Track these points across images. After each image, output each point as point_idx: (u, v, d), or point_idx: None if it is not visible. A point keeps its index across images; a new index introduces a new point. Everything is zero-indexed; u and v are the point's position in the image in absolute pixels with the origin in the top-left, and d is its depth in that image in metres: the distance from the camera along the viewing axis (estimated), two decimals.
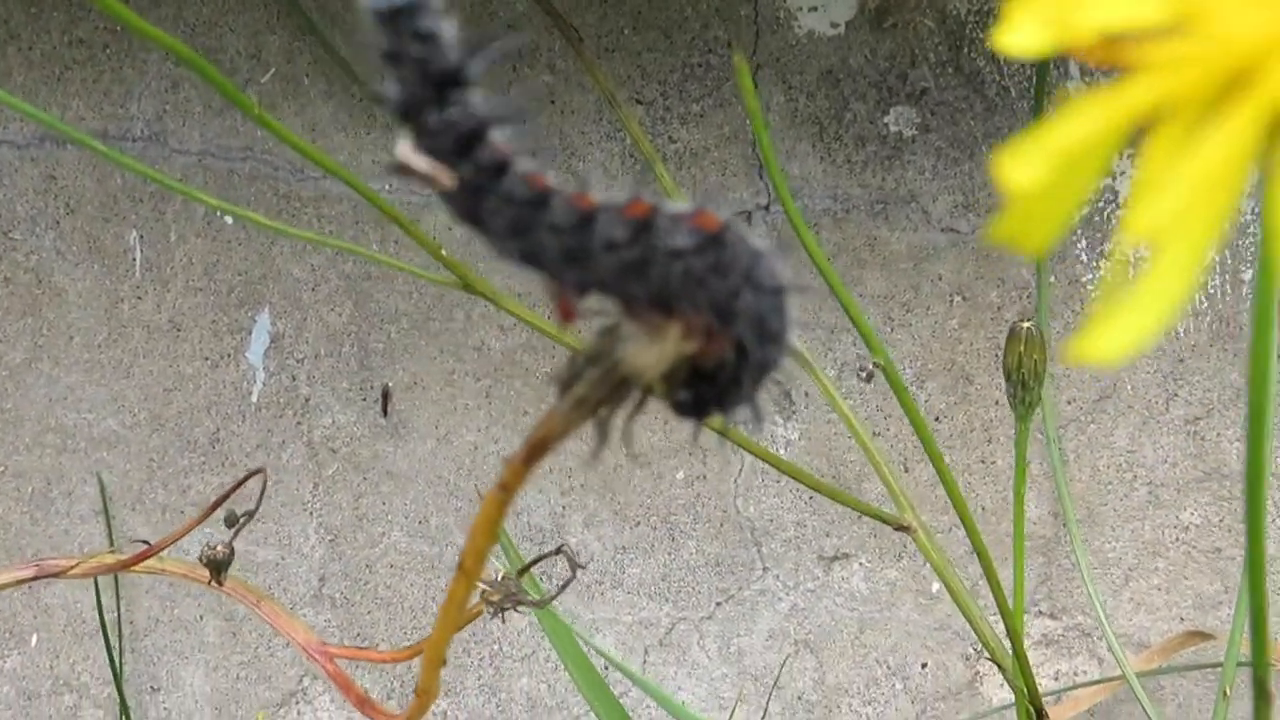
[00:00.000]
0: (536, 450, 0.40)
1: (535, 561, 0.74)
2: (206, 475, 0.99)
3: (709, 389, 0.35)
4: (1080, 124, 0.25)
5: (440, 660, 0.50)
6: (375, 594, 1.02)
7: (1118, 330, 0.25)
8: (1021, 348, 0.74)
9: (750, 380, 0.34)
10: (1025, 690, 0.76)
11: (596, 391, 0.35)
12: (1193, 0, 0.24)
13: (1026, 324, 0.74)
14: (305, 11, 0.89)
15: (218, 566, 0.75)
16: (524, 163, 0.34)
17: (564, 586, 0.72)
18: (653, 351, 0.35)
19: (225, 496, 0.72)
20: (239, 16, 0.90)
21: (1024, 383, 0.75)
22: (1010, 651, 0.83)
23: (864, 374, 0.69)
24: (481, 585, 0.72)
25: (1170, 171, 0.25)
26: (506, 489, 0.41)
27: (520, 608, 0.71)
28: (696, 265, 0.32)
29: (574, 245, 0.33)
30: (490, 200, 0.34)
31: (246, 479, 0.74)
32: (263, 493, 0.74)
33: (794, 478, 0.81)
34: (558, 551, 0.73)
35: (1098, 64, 0.26)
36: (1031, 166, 0.25)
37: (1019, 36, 0.26)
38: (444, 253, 0.70)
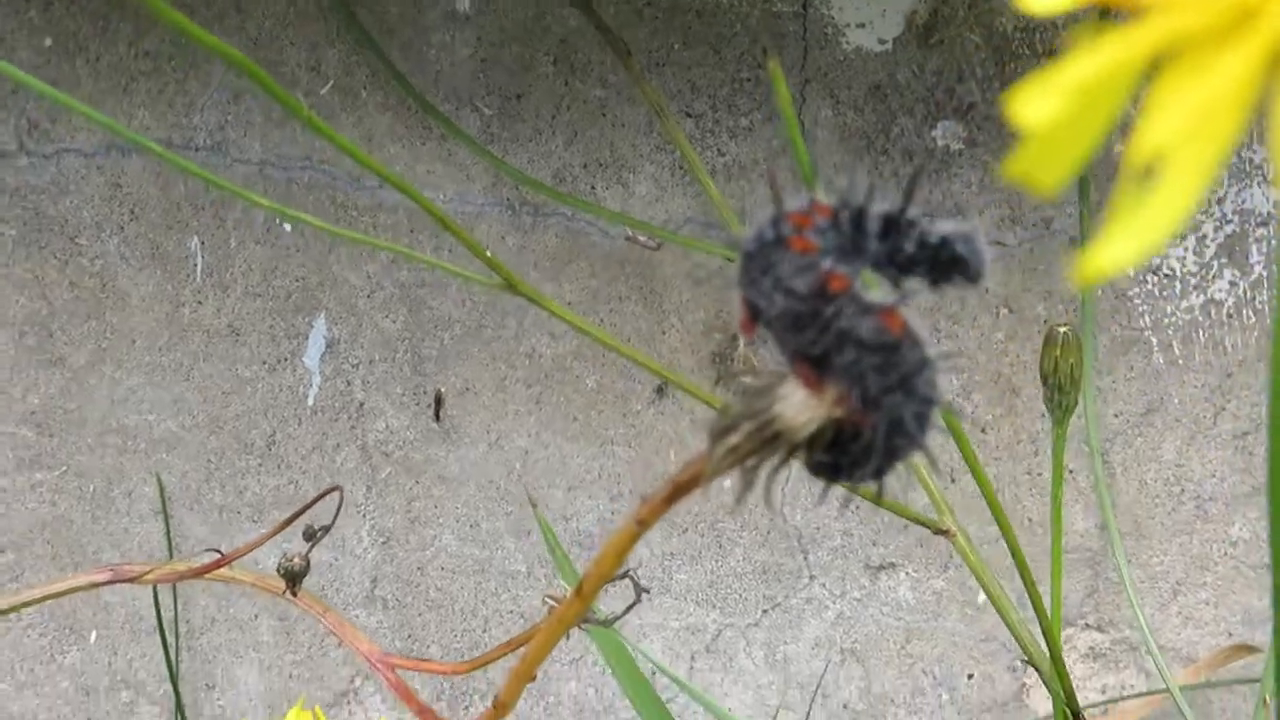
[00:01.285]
0: (680, 491, 0.41)
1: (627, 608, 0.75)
2: (263, 477, 1.01)
3: (845, 457, 0.37)
4: (1094, 61, 0.26)
5: (530, 676, 0.51)
6: (426, 596, 1.03)
7: (1124, 242, 0.26)
8: (1058, 352, 0.75)
9: (880, 460, 0.36)
10: (1062, 694, 0.77)
11: (749, 443, 0.37)
12: None
13: (1063, 328, 0.75)
14: (363, 26, 0.91)
15: (294, 577, 0.76)
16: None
17: (629, 608, 0.73)
18: (806, 414, 0.36)
19: (302, 510, 0.74)
20: (299, 30, 0.93)
21: (1060, 386, 0.76)
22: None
23: None
24: (550, 602, 0.73)
25: (1179, 96, 0.26)
26: (643, 524, 0.42)
27: (585, 625, 0.73)
28: (867, 358, 0.34)
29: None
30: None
31: (322, 496, 0.75)
32: (339, 509, 0.76)
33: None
34: (624, 576, 0.74)
35: (1115, 7, 0.27)
36: (1047, 102, 0.26)
37: None
38: (489, 254, 0.72)
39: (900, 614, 1.04)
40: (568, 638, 1.01)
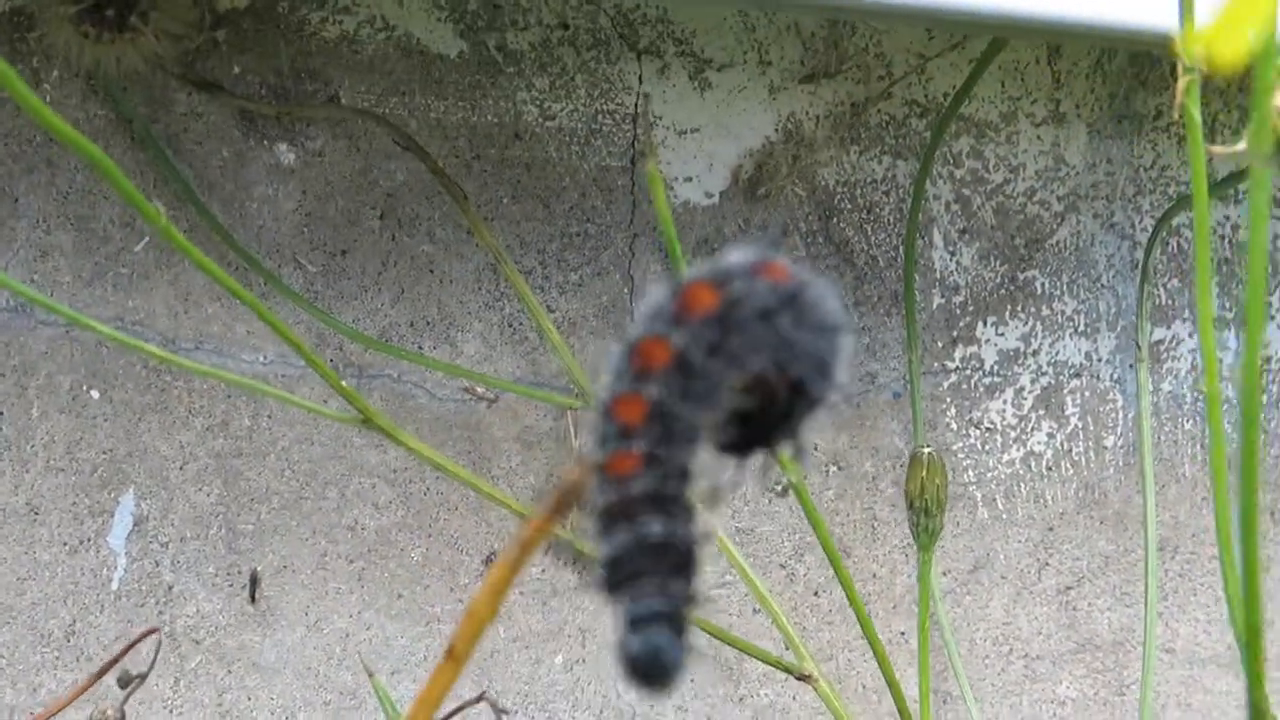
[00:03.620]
0: (563, 503, 0.39)
1: (457, 710, 0.71)
2: (60, 672, 0.94)
3: (756, 428, 0.35)
4: None
5: None
6: None
7: (1234, 33, 0.31)
8: (924, 473, 0.75)
9: (801, 416, 0.34)
10: None
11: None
12: None
13: (926, 449, 0.75)
14: (183, 179, 0.88)
15: None
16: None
17: None
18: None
19: (118, 658, 0.69)
20: (112, 185, 0.89)
21: (927, 509, 0.75)
22: None
23: (779, 488, 0.69)
24: None
25: None
26: (525, 549, 0.39)
27: None
28: (778, 323, 0.33)
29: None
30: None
31: (142, 638, 0.70)
32: (157, 653, 0.71)
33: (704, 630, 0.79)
34: (479, 699, 0.70)
35: None
36: None
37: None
38: (344, 383, 0.68)
39: None
40: None
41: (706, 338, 0.33)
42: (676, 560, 0.33)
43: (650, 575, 0.33)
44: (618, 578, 0.33)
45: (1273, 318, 1.04)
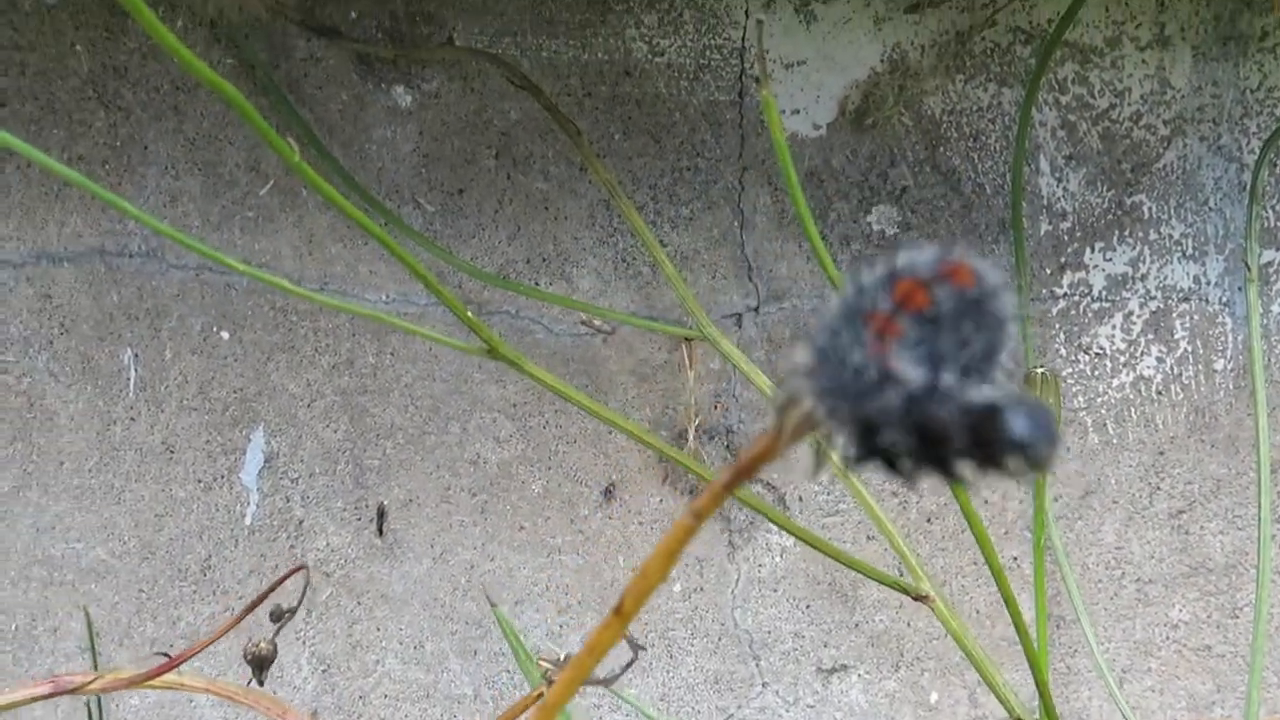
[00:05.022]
0: (754, 465, 0.40)
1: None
2: (198, 605, 0.97)
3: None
4: None
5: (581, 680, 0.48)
6: None
7: None
8: (1037, 392, 0.76)
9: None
10: None
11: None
12: None
13: (1040, 369, 0.76)
14: (304, 123, 0.91)
15: (261, 663, 0.73)
16: None
17: (627, 666, 0.71)
18: None
19: (266, 594, 0.71)
20: (237, 130, 0.92)
21: None
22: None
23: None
24: (545, 665, 0.71)
25: None
26: (699, 516, 0.41)
27: (586, 687, 0.71)
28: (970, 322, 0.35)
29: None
30: None
31: (289, 575, 0.72)
32: (305, 590, 0.73)
33: (816, 547, 0.81)
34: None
35: None
36: None
37: None
38: (470, 314, 0.70)
39: (854, 719, 1.02)
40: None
41: (926, 332, 0.35)
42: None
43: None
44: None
45: None
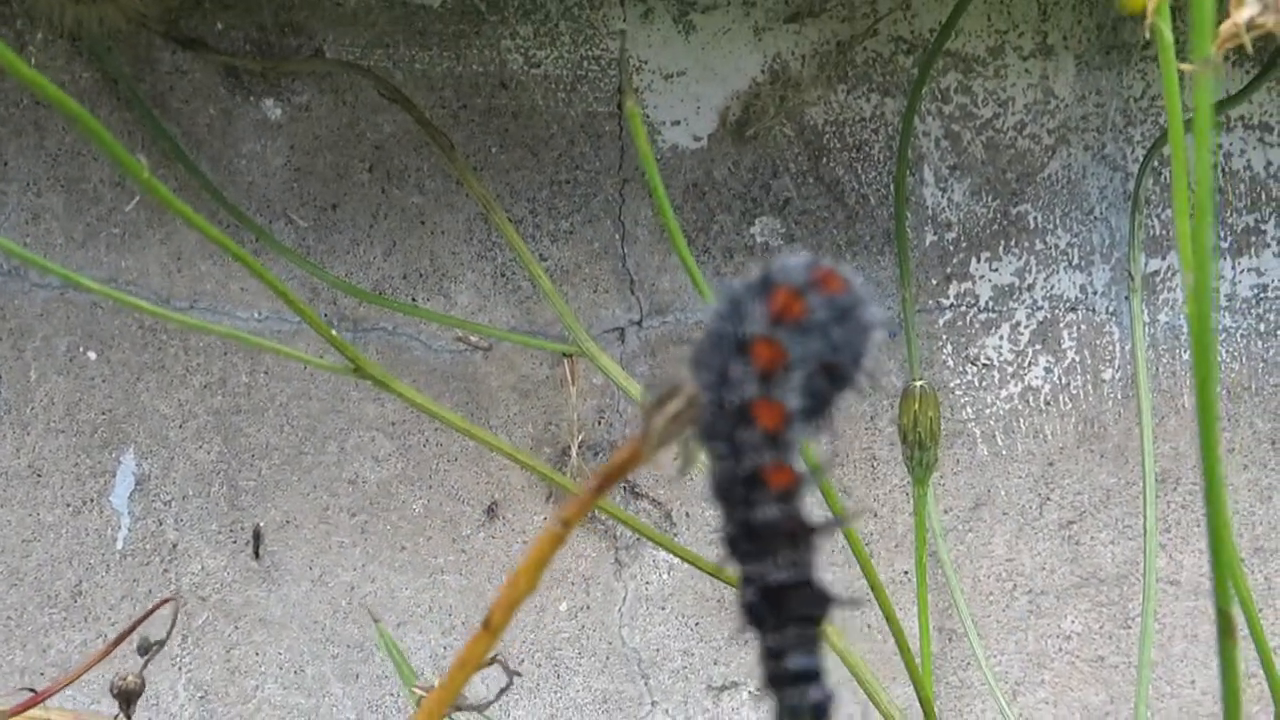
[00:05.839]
0: (618, 472, 0.40)
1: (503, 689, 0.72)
2: (68, 632, 0.94)
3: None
4: None
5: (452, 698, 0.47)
6: None
7: None
8: (916, 406, 0.75)
9: (834, 396, 0.37)
10: None
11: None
12: None
13: (918, 382, 0.75)
14: (171, 137, 0.89)
15: (128, 697, 0.71)
16: None
17: (502, 691, 0.70)
18: None
19: (136, 625, 0.69)
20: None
21: (920, 443, 0.75)
22: None
23: None
24: (420, 691, 0.69)
25: None
26: (567, 525, 0.40)
27: (459, 713, 0.70)
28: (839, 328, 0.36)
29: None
30: None
31: (159, 606, 0.71)
32: (174, 620, 0.71)
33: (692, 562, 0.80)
34: (492, 662, 0.71)
35: None
36: None
37: None
38: (334, 333, 0.69)
39: None
40: None
41: (800, 340, 0.36)
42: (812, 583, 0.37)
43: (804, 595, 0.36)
44: (789, 606, 0.36)
45: (1268, 245, 1.03)
